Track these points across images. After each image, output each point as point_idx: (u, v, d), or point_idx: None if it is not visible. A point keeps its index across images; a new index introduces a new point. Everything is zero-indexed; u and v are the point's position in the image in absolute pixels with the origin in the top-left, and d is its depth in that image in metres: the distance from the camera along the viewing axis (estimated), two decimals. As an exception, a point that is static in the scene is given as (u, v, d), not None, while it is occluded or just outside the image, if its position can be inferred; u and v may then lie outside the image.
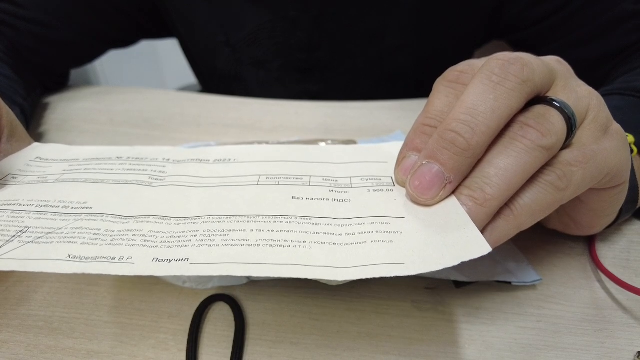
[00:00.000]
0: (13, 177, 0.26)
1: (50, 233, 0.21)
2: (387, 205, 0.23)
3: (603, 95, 0.37)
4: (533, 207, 0.22)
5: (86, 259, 0.20)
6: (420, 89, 0.53)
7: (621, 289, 0.26)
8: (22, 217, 0.23)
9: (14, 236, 0.21)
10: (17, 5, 0.46)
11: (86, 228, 0.22)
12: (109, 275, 0.21)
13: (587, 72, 0.26)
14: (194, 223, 0.22)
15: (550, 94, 0.23)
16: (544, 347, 0.25)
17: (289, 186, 0.25)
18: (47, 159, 0.28)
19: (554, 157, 0.22)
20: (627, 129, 0.26)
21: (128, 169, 0.27)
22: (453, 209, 0.21)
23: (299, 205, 0.23)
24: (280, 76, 0.55)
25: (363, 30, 0.50)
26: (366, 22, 0.50)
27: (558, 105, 0.22)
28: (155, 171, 0.27)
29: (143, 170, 0.27)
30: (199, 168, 0.27)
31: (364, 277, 0.19)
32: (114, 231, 0.22)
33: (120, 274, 0.19)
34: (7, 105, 0.30)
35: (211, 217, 0.22)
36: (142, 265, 0.19)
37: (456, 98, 0.23)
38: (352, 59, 0.53)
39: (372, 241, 0.20)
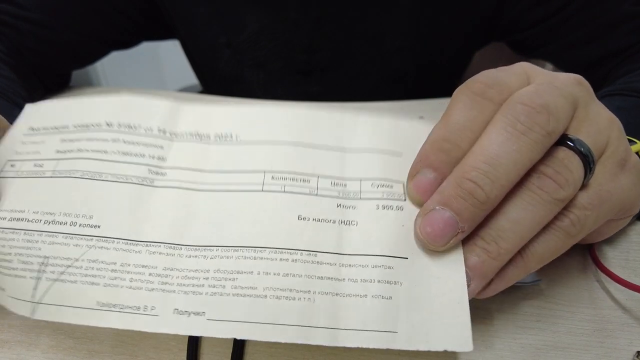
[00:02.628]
0: (12, 165, 0.25)
1: (69, 267, 0.22)
2: (393, 237, 0.22)
3: (604, 96, 0.37)
4: (544, 254, 0.22)
5: (114, 306, 0.21)
6: (420, 90, 0.53)
7: (621, 289, 0.26)
8: (36, 241, 0.23)
9: (39, 271, 0.22)
10: (18, 6, 0.46)
11: (102, 261, 0.22)
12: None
13: (586, 73, 0.26)
14: (204, 258, 0.22)
15: (571, 130, 0.22)
16: (543, 347, 0.25)
17: (295, 196, 0.23)
18: (38, 129, 0.26)
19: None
20: (631, 131, 0.26)
21: (123, 152, 0.25)
22: (458, 280, 0.21)
23: (304, 231, 0.23)
24: (281, 77, 0.55)
25: (363, 31, 0.50)
26: (366, 24, 0.50)
27: (578, 147, 0.21)
28: (153, 157, 0.25)
29: (140, 154, 0.25)
30: (200, 154, 0.25)
31: (360, 346, 0.20)
32: (129, 265, 0.22)
33: (148, 330, 0.21)
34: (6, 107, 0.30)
35: (219, 249, 0.22)
36: (165, 318, 0.21)
37: (481, 114, 0.21)
38: (353, 60, 0.53)
39: (372, 296, 0.21)
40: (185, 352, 0.25)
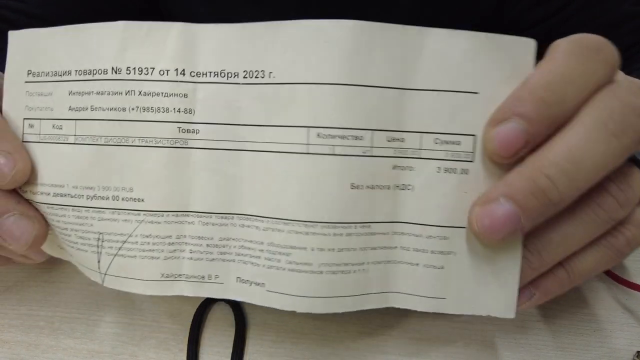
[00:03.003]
0: (31, 126, 0.23)
1: (125, 242, 0.22)
2: (452, 204, 0.20)
3: None
4: (591, 271, 0.20)
5: (179, 276, 0.22)
6: None
7: (621, 289, 0.26)
8: (85, 217, 0.22)
9: (98, 246, 0.22)
10: (20, 0, 0.46)
11: (156, 236, 0.22)
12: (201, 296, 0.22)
13: None
14: (256, 228, 0.21)
15: None
16: (543, 347, 0.25)
17: (347, 159, 0.20)
18: (39, 74, 0.23)
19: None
20: None
21: (143, 107, 0.22)
22: (512, 252, 0.20)
23: (358, 201, 0.20)
24: None
25: None
26: (368, 20, 0.50)
27: None
28: (179, 110, 0.21)
29: (163, 109, 0.22)
30: (231, 101, 0.21)
31: (407, 307, 0.21)
32: (185, 237, 0.22)
33: (216, 296, 0.22)
34: None
35: (269, 221, 0.21)
36: (230, 286, 0.22)
37: (594, 74, 0.18)
38: None
39: (424, 265, 0.21)
40: (185, 352, 0.25)
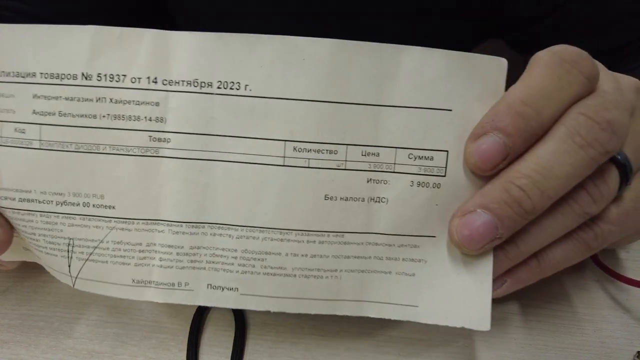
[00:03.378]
0: None
1: (96, 248, 0.22)
2: (424, 216, 0.21)
3: None
4: (561, 262, 0.21)
5: (149, 282, 0.22)
6: None
7: (621, 289, 0.26)
8: (55, 223, 0.22)
9: (68, 251, 0.22)
10: (20, 0, 0.46)
11: (127, 242, 0.22)
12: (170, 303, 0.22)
13: None
14: (229, 237, 0.22)
15: None
16: (543, 346, 0.25)
17: (321, 172, 0.21)
18: (0, 74, 0.22)
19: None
20: None
21: (114, 115, 0.21)
22: (483, 262, 0.21)
23: (331, 211, 0.21)
24: None
25: (362, 26, 0.50)
26: (365, 18, 0.50)
27: (620, 160, 0.20)
28: (150, 119, 0.21)
29: (134, 117, 0.21)
30: (204, 111, 0.21)
31: (381, 316, 0.22)
32: (155, 244, 0.22)
33: (187, 303, 0.22)
34: None
35: (244, 229, 0.22)
36: (200, 293, 0.22)
37: (570, 87, 0.19)
38: None
39: (396, 273, 0.22)
40: (185, 352, 0.25)
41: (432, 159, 0.21)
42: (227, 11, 0.52)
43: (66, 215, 0.22)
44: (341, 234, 0.21)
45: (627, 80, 0.21)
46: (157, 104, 0.21)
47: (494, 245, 0.20)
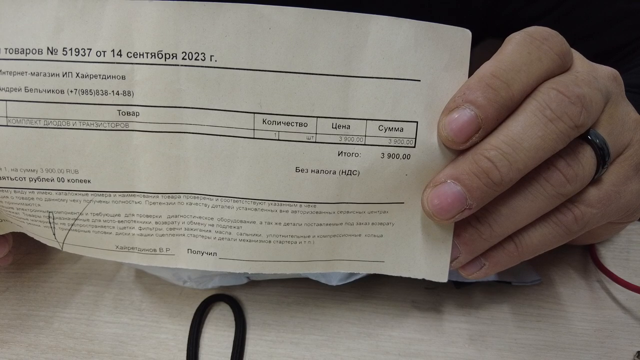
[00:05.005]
0: None
1: (77, 219, 0.22)
2: (393, 186, 0.21)
3: None
4: (539, 245, 0.21)
5: (132, 249, 0.23)
6: None
7: (621, 289, 0.26)
8: (31, 198, 0.22)
9: (50, 222, 0.23)
10: None
11: (106, 214, 0.22)
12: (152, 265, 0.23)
13: None
14: (205, 206, 0.22)
15: (595, 124, 0.21)
16: (543, 346, 0.25)
17: (291, 144, 0.21)
18: None
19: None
20: None
21: (81, 89, 0.21)
22: (446, 225, 0.22)
23: (302, 183, 0.21)
24: None
25: None
26: None
27: (597, 143, 0.20)
28: (117, 93, 0.21)
29: (102, 91, 0.21)
30: (170, 83, 0.21)
31: (351, 271, 0.24)
32: (133, 215, 0.22)
33: (169, 266, 0.23)
34: None
35: (219, 199, 0.22)
36: (181, 257, 0.23)
37: (539, 61, 0.19)
38: None
39: (365, 235, 0.23)
40: (185, 352, 0.25)
41: (402, 130, 0.21)
42: None
43: (41, 191, 0.22)
44: (313, 204, 0.22)
45: (603, 68, 0.22)
46: (124, 77, 0.21)
47: (465, 215, 0.20)
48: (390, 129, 0.21)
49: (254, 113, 0.21)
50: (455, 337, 0.25)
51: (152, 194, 0.22)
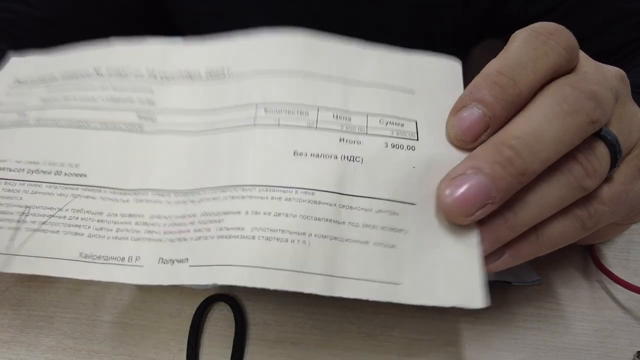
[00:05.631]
0: None
1: (52, 216, 0.21)
2: (401, 178, 0.20)
3: None
4: (558, 239, 0.21)
5: (97, 258, 0.21)
6: None
7: (621, 288, 0.26)
8: (17, 191, 0.22)
9: (19, 221, 0.22)
10: (25, 3, 0.46)
11: (88, 211, 0.21)
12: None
13: None
14: (192, 202, 0.21)
15: (607, 123, 0.21)
16: (543, 347, 0.25)
17: (291, 129, 0.21)
18: (25, 82, 0.25)
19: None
20: None
21: (111, 98, 0.23)
22: (468, 232, 0.19)
23: (300, 167, 0.20)
24: None
25: (363, 28, 0.50)
26: (366, 20, 0.50)
27: (609, 139, 0.20)
28: (142, 101, 0.23)
29: (129, 100, 0.23)
30: (190, 94, 0.23)
31: (358, 297, 0.18)
32: (116, 215, 0.21)
33: (130, 282, 0.20)
34: None
35: (207, 191, 0.21)
36: (149, 269, 0.20)
37: (545, 56, 0.19)
38: None
39: (374, 243, 0.19)
40: (185, 352, 0.25)
41: (402, 125, 0.21)
42: (228, 14, 0.52)
43: (32, 183, 0.22)
44: (311, 191, 0.19)
45: (610, 67, 0.22)
46: (152, 91, 0.24)
47: (487, 211, 0.19)
48: (391, 123, 0.21)
49: (257, 104, 0.22)
50: (455, 337, 0.25)
51: (142, 191, 0.22)
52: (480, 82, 0.19)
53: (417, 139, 0.21)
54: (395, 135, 0.21)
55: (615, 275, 0.27)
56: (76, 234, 0.21)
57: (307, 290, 0.18)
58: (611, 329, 0.25)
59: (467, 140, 0.20)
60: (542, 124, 0.18)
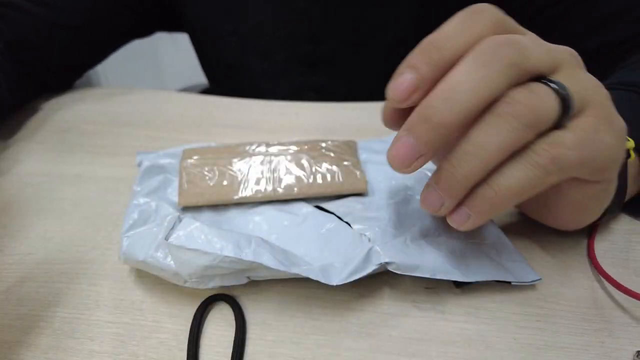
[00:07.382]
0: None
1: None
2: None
3: None
4: (517, 189, 0.22)
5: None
6: None
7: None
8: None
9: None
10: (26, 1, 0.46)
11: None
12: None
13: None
14: None
15: (552, 77, 0.23)
16: (544, 346, 0.25)
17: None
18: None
19: (549, 136, 0.22)
20: (628, 129, 0.26)
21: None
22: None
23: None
24: (285, 68, 0.56)
25: (368, 23, 0.51)
26: (371, 15, 0.50)
27: (554, 85, 0.22)
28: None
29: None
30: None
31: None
32: None
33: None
34: None
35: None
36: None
37: (472, 27, 0.22)
38: (356, 53, 0.53)
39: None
40: (185, 352, 0.25)
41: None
42: (234, 11, 0.52)
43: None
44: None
45: (557, 45, 0.24)
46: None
47: (421, 163, 0.22)
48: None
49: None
50: (455, 337, 0.25)
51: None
52: (413, 52, 0.22)
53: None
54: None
55: (612, 278, 0.27)
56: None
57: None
58: (611, 329, 0.25)
59: (398, 100, 0.22)
60: (458, 77, 0.21)
